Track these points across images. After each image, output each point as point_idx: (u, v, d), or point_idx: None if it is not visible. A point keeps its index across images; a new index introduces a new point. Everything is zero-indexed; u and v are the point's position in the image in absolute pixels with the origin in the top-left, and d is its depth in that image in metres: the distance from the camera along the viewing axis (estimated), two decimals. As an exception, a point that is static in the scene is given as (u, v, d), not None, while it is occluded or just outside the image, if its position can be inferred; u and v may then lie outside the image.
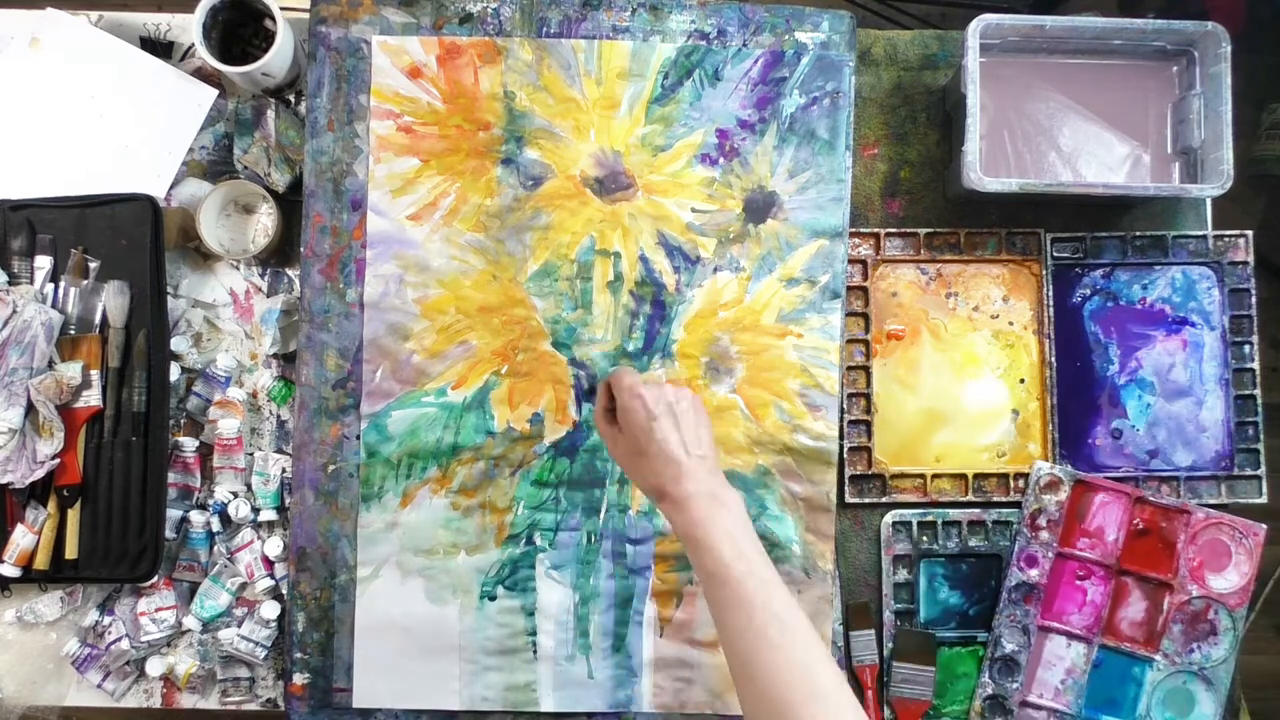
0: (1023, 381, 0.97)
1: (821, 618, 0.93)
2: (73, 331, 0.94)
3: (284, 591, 0.95)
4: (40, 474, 0.91)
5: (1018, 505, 0.96)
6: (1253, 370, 0.97)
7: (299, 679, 0.93)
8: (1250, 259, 0.98)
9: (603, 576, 0.94)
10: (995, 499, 0.96)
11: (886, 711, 0.95)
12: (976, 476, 0.96)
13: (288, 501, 0.96)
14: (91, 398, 0.92)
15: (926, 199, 1.00)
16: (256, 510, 0.95)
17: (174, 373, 0.95)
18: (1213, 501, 0.96)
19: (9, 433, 0.90)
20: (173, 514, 0.94)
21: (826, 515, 0.94)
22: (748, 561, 0.71)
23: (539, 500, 0.94)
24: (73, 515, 0.92)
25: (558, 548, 0.94)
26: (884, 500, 0.96)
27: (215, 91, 0.99)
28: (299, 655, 0.93)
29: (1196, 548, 0.94)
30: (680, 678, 0.94)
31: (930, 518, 0.96)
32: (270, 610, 0.94)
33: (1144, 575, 0.94)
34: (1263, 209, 1.78)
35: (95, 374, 0.93)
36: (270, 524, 0.96)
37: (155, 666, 0.93)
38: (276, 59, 0.93)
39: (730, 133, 0.95)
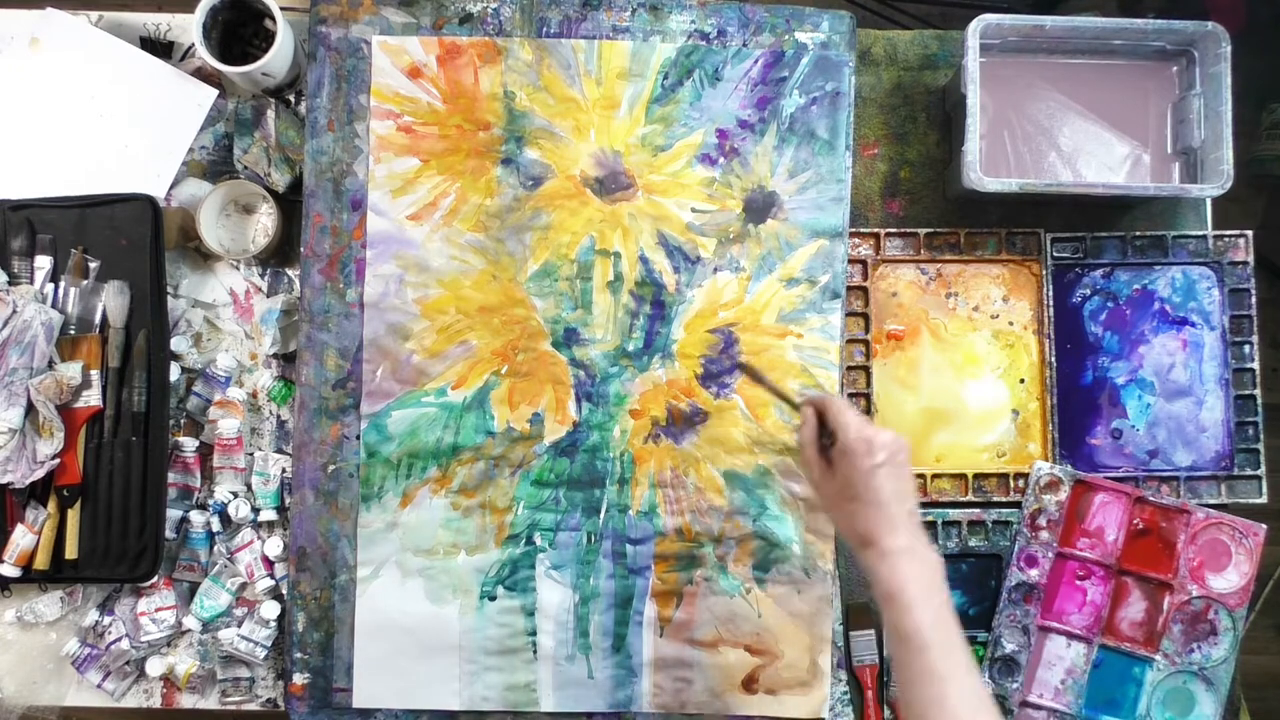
0: (1023, 381, 0.97)
1: (821, 618, 0.93)
2: (73, 331, 0.94)
3: (284, 591, 0.95)
4: (40, 474, 0.91)
5: (1018, 505, 0.96)
6: (1253, 370, 0.97)
7: (299, 679, 0.93)
8: (1250, 259, 0.98)
9: (603, 576, 0.94)
10: (995, 499, 0.96)
11: (886, 712, 0.95)
12: (976, 476, 0.96)
13: (288, 501, 0.96)
14: (91, 398, 0.92)
15: (926, 199, 1.00)
16: (256, 510, 0.95)
17: (174, 373, 0.95)
18: (1213, 501, 0.96)
19: (9, 433, 0.90)
20: (173, 514, 0.94)
21: (826, 515, 0.94)
22: (947, 632, 0.71)
23: (539, 500, 0.94)
24: (73, 515, 0.92)
25: (558, 548, 0.94)
26: (884, 500, 0.96)
27: (215, 91, 0.99)
28: (299, 655, 0.93)
29: (1196, 548, 0.94)
30: (680, 678, 0.94)
31: (930, 518, 0.96)
32: (270, 610, 0.94)
33: (1144, 575, 0.94)
34: (1263, 209, 1.77)
35: (95, 374, 0.93)
36: (270, 524, 0.96)
37: (155, 666, 0.93)
38: (276, 59, 0.93)
39: (730, 133, 0.95)
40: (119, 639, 0.93)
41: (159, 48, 1.01)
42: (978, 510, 0.96)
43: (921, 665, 0.70)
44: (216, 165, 0.99)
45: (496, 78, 0.95)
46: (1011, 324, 0.98)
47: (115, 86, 0.98)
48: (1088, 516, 0.95)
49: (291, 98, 1.00)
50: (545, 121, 0.95)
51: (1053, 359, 0.97)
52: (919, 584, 0.72)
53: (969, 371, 0.97)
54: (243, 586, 0.95)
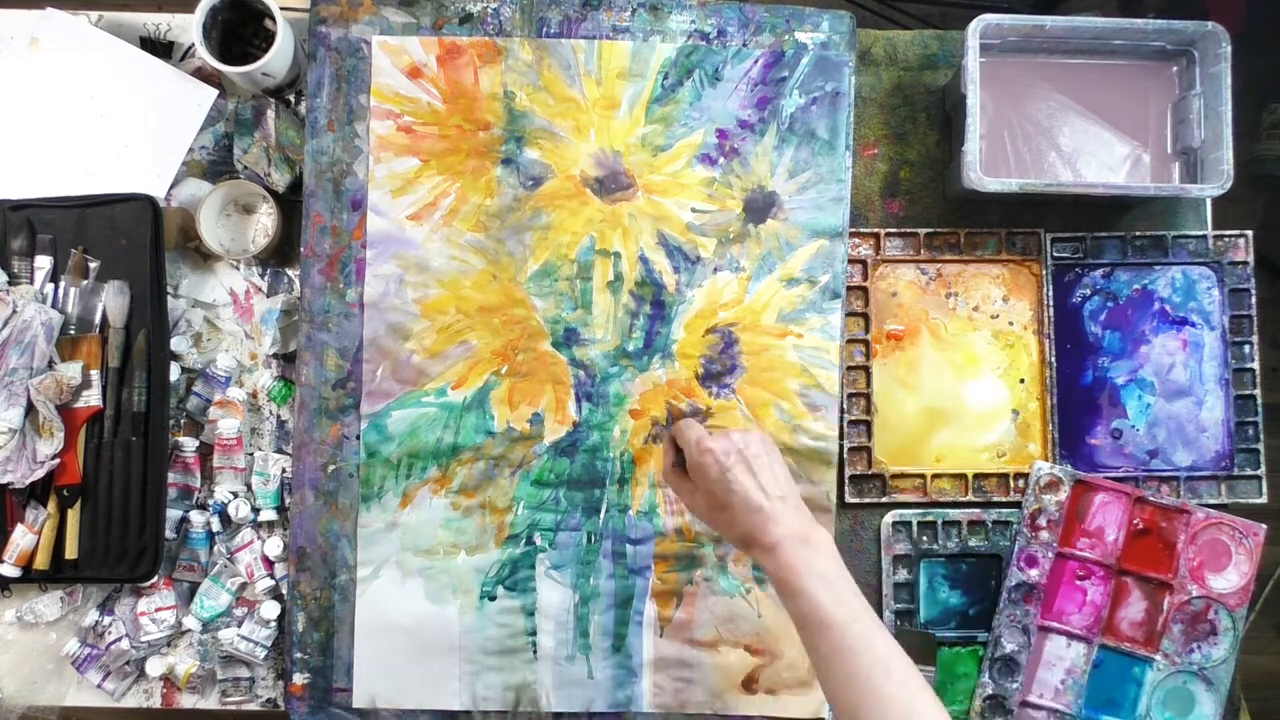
0: (1023, 381, 0.97)
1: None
2: (73, 331, 0.94)
3: (284, 591, 0.95)
4: (40, 474, 0.91)
5: (1018, 505, 0.96)
6: (1253, 370, 0.97)
7: (299, 679, 0.93)
8: (1250, 259, 0.98)
9: (603, 576, 0.94)
10: (995, 499, 0.96)
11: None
12: (976, 476, 0.96)
13: (288, 501, 0.96)
14: (91, 398, 0.92)
15: (926, 199, 1.00)
16: (256, 510, 0.95)
17: (174, 373, 0.95)
18: (1213, 501, 0.96)
19: (9, 433, 0.90)
20: (173, 514, 0.94)
21: (826, 515, 0.94)
22: (848, 607, 0.71)
23: (539, 500, 0.94)
24: (73, 515, 0.92)
25: (558, 548, 0.94)
26: (884, 500, 0.96)
27: (215, 91, 0.99)
28: (299, 655, 0.93)
29: (1196, 548, 0.94)
30: (680, 678, 0.94)
31: (930, 518, 0.96)
32: (270, 610, 0.94)
33: (1144, 575, 0.94)
34: (1263, 209, 1.77)
35: (95, 374, 0.93)
36: (270, 524, 0.96)
37: (155, 666, 0.93)
38: (276, 59, 0.93)
39: (730, 133, 0.95)
40: (119, 639, 0.93)
41: (159, 48, 1.01)
42: (978, 510, 0.96)
43: (829, 643, 0.69)
44: (216, 165, 0.99)
45: (496, 78, 0.95)
46: (1011, 324, 0.98)
47: (115, 86, 0.98)
48: (1088, 516, 0.95)
49: (291, 98, 1.00)
50: (545, 121, 0.95)
51: (1053, 359, 0.97)
52: (808, 567, 0.72)
53: (969, 371, 0.97)
54: (243, 586, 0.95)
